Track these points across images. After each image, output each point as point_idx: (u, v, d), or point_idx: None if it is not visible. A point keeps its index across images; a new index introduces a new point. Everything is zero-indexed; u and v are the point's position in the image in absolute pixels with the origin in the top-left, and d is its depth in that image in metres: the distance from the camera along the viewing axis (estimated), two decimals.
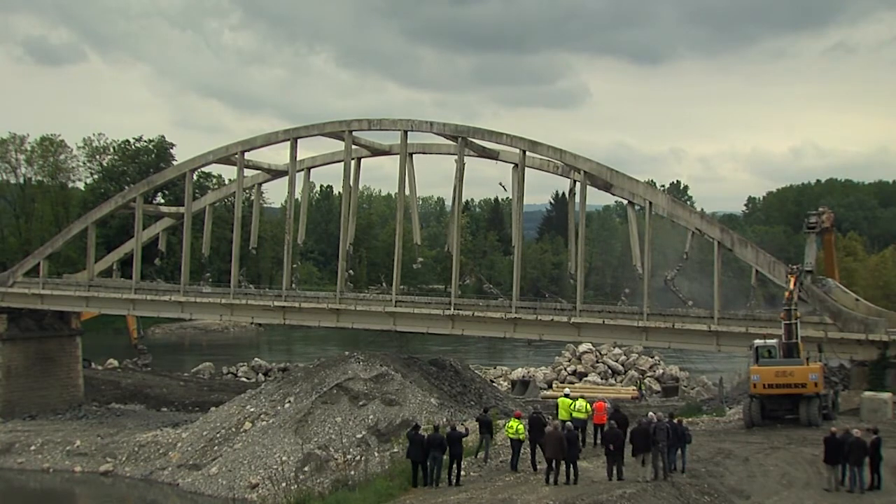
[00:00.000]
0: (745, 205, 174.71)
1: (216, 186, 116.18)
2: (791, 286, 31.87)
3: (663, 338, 40.12)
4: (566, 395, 27.79)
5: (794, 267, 34.26)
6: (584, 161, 41.90)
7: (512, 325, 41.92)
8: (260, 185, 55.36)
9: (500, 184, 49.70)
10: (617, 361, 65.24)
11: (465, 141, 43.98)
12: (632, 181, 41.44)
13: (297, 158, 49.22)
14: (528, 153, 43.05)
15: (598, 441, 26.08)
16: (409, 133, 45.34)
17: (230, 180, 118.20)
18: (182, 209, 53.52)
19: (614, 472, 22.57)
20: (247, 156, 49.80)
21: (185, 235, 50.90)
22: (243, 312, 48.35)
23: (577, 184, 43.24)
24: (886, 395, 32.04)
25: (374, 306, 43.48)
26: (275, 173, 54.39)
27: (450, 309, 42.14)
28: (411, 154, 46.73)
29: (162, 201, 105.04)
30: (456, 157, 44.76)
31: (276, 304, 46.39)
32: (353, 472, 32.32)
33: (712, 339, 37.86)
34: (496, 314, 41.90)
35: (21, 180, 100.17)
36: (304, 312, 46.13)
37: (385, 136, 50.03)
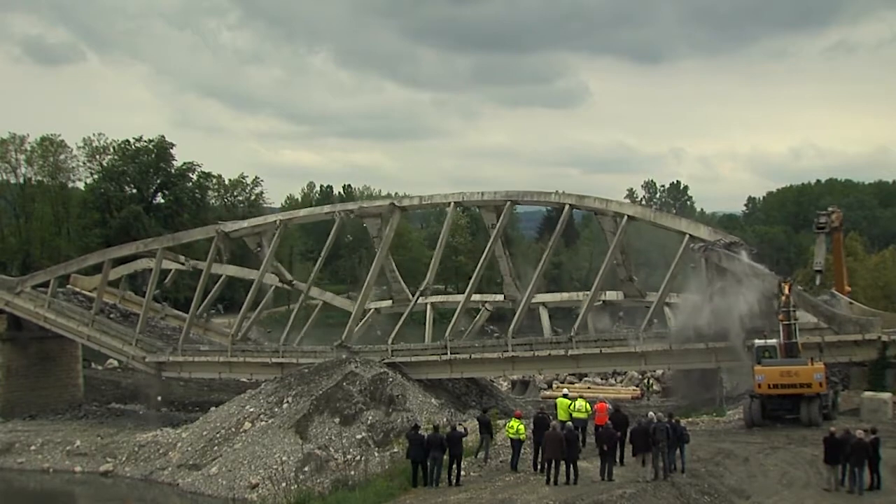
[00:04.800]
0: (745, 205, 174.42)
1: (216, 186, 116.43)
2: (787, 291, 32.02)
3: (662, 360, 40.49)
4: (565, 396, 27.89)
5: (788, 278, 34.62)
6: (630, 206, 42.96)
7: (510, 364, 42.05)
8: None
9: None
10: None
11: (512, 205, 43.70)
12: (676, 221, 41.31)
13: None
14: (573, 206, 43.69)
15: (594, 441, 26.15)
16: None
17: (230, 181, 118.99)
18: (201, 264, 52.70)
19: (605, 472, 22.68)
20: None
21: (194, 300, 49.98)
22: (241, 369, 48.58)
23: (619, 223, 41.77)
24: (886, 395, 32.15)
25: (371, 356, 43.41)
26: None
27: (446, 354, 42.16)
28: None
29: (162, 201, 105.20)
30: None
31: (273, 360, 46.46)
32: (353, 472, 32.30)
33: (711, 355, 37.94)
34: (493, 354, 41.76)
35: (21, 180, 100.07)
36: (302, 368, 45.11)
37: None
